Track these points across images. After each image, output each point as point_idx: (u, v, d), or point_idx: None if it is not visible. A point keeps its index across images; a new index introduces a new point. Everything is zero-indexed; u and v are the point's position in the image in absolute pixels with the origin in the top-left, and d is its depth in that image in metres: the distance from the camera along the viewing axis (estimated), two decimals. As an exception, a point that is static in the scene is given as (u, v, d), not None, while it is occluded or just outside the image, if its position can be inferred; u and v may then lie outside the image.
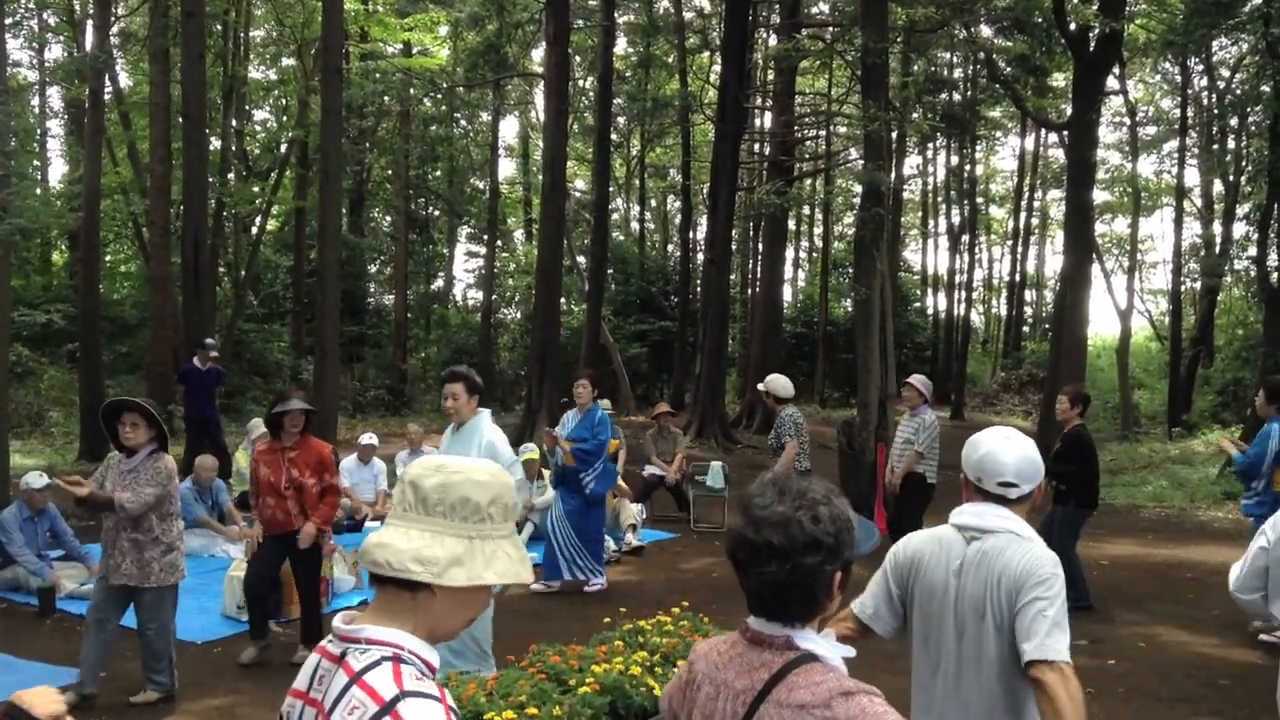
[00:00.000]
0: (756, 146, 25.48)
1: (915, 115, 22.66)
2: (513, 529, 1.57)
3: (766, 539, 1.68)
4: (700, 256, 23.79)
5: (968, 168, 32.02)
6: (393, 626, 1.46)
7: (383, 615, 1.47)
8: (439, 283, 33.79)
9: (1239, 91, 22.61)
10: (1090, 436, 7.92)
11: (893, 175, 21.03)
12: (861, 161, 14.26)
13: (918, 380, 8.57)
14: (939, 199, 34.65)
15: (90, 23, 17.78)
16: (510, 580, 1.51)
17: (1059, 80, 23.63)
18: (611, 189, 27.48)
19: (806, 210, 34.06)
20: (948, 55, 26.53)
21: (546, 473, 10.33)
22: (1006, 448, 2.54)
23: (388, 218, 31.75)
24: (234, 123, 23.43)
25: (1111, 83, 20.53)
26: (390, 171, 29.46)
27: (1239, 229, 23.74)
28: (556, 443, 7.77)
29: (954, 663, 2.54)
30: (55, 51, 24.75)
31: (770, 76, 24.88)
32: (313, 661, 1.54)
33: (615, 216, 33.14)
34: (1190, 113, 24.48)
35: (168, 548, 5.44)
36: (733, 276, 27.18)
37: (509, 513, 1.55)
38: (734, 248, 26.17)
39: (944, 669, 2.56)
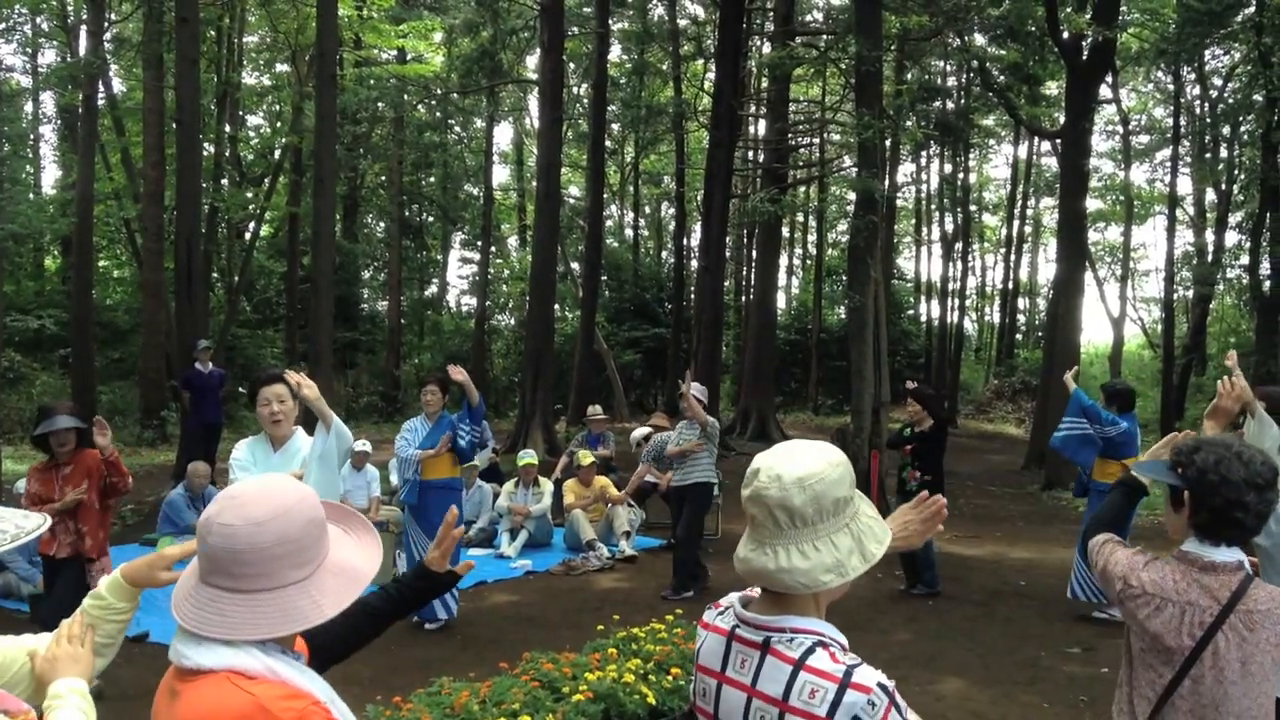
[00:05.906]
0: (750, 153, 25.50)
1: (909, 123, 22.73)
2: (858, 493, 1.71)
3: (1270, 478, 2.23)
4: (694, 263, 23.75)
5: (961, 176, 32.07)
6: (802, 614, 1.63)
7: (787, 604, 1.65)
8: (433, 289, 33.81)
9: (1231, 100, 22.71)
10: (946, 434, 8.57)
11: (886, 183, 21.06)
12: (855, 169, 14.27)
13: (698, 389, 8.78)
14: (932, 206, 34.68)
15: (84, 29, 17.74)
16: (889, 538, 1.68)
17: (1052, 89, 23.68)
18: (606, 195, 27.51)
19: (800, 217, 34.11)
20: (941, 64, 26.61)
21: (544, 480, 10.33)
22: None
23: (381, 223, 31.74)
24: (228, 128, 23.41)
25: (1104, 91, 20.63)
26: (384, 177, 29.46)
27: (1231, 237, 23.87)
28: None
29: None
30: (49, 57, 24.76)
31: (764, 84, 24.89)
32: (718, 643, 1.71)
33: (609, 223, 33.15)
34: (1183, 121, 24.57)
35: None
36: (727, 283, 27.20)
37: (854, 479, 1.69)
38: (728, 254, 26.20)
39: None
